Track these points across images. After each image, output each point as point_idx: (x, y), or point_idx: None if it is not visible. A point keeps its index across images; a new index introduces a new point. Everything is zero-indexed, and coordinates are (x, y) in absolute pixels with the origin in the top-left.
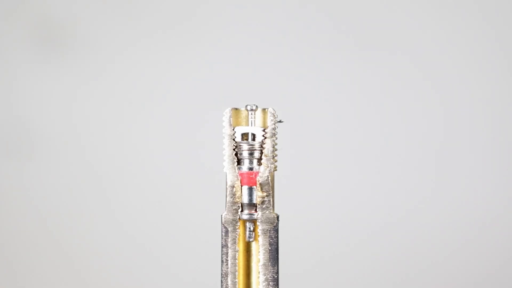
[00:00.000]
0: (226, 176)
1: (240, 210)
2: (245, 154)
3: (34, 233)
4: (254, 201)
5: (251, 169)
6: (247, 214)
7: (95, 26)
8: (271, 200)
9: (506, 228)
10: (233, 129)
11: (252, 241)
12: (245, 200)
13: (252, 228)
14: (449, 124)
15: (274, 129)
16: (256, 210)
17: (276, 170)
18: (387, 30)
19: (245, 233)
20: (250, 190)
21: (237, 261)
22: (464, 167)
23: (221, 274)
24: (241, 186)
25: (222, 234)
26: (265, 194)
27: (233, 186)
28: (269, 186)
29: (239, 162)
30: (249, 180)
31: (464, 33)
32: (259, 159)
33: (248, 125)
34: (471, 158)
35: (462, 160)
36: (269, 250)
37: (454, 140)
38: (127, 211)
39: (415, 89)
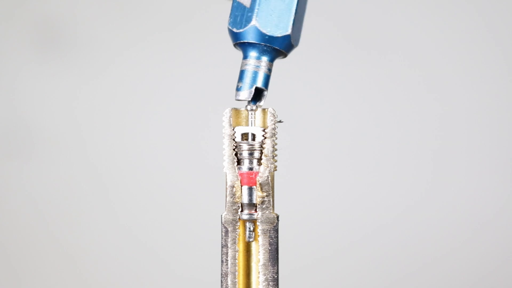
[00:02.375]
0: (226, 176)
1: (240, 210)
2: (245, 154)
3: (35, 233)
4: (254, 201)
5: (251, 169)
6: (247, 214)
7: (97, 26)
8: (271, 200)
9: (502, 228)
10: (233, 129)
11: (252, 241)
12: (245, 200)
13: (252, 228)
14: (445, 124)
15: (274, 129)
16: (256, 210)
17: (276, 170)
18: (384, 30)
19: (245, 233)
20: (250, 190)
21: (237, 261)
22: (461, 166)
23: (221, 274)
24: (241, 186)
25: (222, 234)
26: (265, 194)
27: (233, 186)
28: (269, 186)
29: (239, 162)
30: (249, 180)
31: (460, 33)
32: (259, 159)
33: (248, 125)
34: (467, 158)
35: (458, 160)
36: (269, 250)
37: (451, 140)
38: (128, 210)
39: (411, 89)
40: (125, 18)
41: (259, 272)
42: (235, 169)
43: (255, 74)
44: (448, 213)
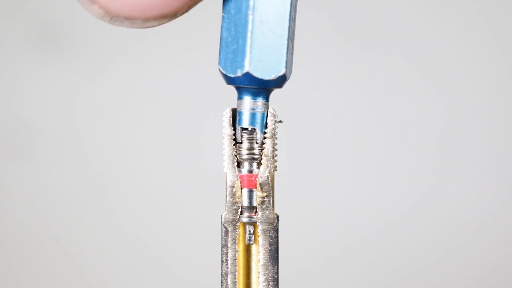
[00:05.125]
0: (225, 176)
1: (240, 211)
2: (245, 156)
3: (35, 233)
4: (254, 204)
5: (251, 171)
6: (247, 217)
7: (97, 26)
8: (271, 200)
9: (503, 228)
10: (233, 129)
11: (252, 244)
12: (245, 203)
13: (252, 231)
14: (446, 125)
15: (274, 129)
16: (256, 213)
17: (276, 170)
18: (385, 30)
19: (245, 233)
20: (250, 193)
21: (237, 261)
22: (461, 167)
23: (221, 274)
24: (241, 188)
25: (222, 234)
26: (265, 194)
27: (233, 186)
28: (269, 186)
29: (239, 164)
30: (249, 183)
31: (461, 32)
32: (259, 160)
33: None
34: (468, 159)
35: (459, 161)
36: (269, 250)
37: (452, 141)
38: (129, 211)
39: (412, 89)
40: None
41: (259, 272)
42: (235, 169)
43: (253, 116)
44: (449, 213)
